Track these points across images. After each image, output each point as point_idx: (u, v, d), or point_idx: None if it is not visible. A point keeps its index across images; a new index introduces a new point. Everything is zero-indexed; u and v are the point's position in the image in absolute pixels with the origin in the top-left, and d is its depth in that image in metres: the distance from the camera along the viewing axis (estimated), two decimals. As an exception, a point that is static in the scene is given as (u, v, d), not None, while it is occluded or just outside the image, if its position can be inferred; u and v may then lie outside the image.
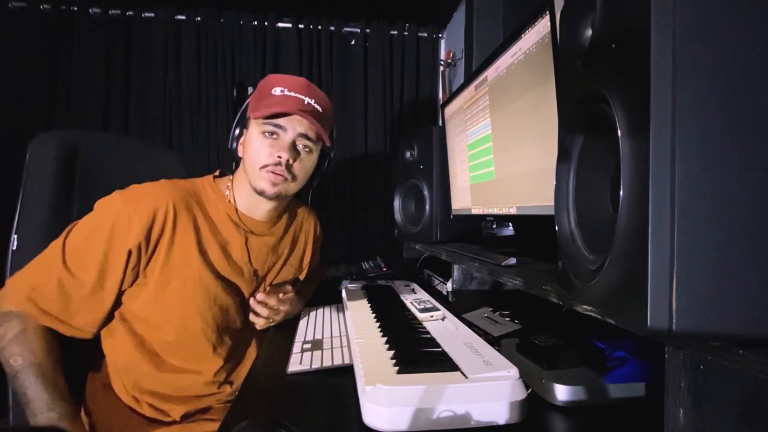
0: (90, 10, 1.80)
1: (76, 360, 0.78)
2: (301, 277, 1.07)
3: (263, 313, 0.90)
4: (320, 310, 1.02)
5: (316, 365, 0.71)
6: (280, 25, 1.95)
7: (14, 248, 0.84)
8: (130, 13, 1.84)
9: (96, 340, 0.82)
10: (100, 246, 0.74)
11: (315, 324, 0.93)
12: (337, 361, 0.72)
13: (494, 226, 0.99)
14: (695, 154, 0.31)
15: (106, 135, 1.56)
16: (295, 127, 0.83)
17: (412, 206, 1.42)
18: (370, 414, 0.51)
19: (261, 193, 0.84)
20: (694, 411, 0.34)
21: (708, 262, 0.31)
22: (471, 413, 0.51)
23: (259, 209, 0.90)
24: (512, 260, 0.76)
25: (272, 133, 0.83)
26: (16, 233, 0.84)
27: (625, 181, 0.35)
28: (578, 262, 0.45)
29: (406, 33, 2.04)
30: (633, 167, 0.34)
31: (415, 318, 0.84)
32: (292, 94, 0.83)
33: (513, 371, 0.55)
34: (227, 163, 0.93)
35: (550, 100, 0.66)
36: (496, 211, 0.94)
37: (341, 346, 0.78)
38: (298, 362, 0.72)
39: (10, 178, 0.86)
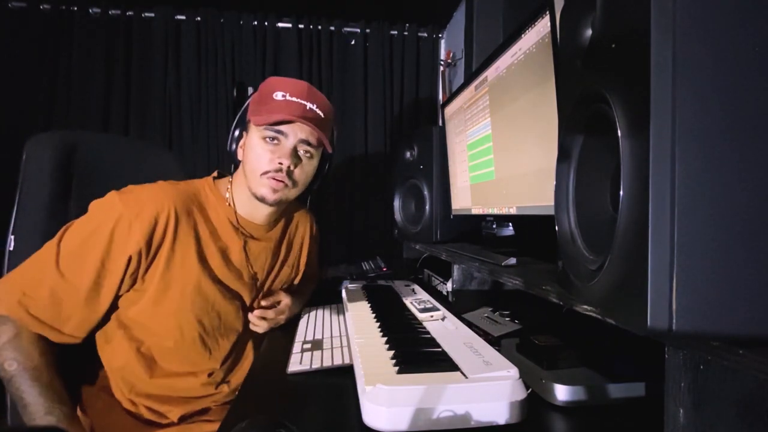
0: (90, 10, 1.80)
1: (71, 363, 0.77)
2: (299, 277, 1.07)
3: (263, 325, 0.90)
4: (320, 310, 1.02)
5: (316, 365, 0.71)
6: (280, 25, 1.95)
7: (11, 249, 0.82)
8: (130, 13, 1.84)
9: (91, 343, 0.81)
10: (98, 251, 0.72)
11: (315, 324, 0.93)
12: (337, 361, 0.72)
13: (494, 226, 0.99)
14: (695, 154, 0.31)
15: (103, 135, 1.55)
16: (296, 133, 0.82)
17: (412, 206, 1.42)
18: (370, 414, 0.51)
19: (261, 200, 0.84)
20: (694, 411, 0.34)
21: (708, 262, 0.31)
22: (471, 413, 0.51)
23: (259, 213, 0.89)
24: (512, 260, 0.76)
25: (273, 139, 0.82)
26: (12, 234, 0.83)
27: (625, 181, 0.35)
28: (578, 262, 0.45)
29: (406, 33, 2.04)
30: (633, 167, 0.34)
31: (415, 318, 0.84)
32: (294, 99, 0.82)
33: (513, 371, 0.55)
34: (227, 163, 0.93)
35: (550, 100, 0.66)
36: (496, 211, 0.94)
37: (341, 346, 0.78)
38: (298, 362, 0.72)
39: (9, 178, 0.85)
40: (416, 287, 1.15)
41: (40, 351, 0.70)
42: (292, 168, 0.83)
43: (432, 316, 0.83)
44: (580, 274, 0.44)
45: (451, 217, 1.24)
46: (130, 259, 0.73)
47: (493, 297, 1.07)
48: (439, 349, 0.65)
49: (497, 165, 0.92)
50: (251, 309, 0.91)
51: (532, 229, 0.94)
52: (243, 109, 0.89)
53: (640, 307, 0.32)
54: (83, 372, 0.83)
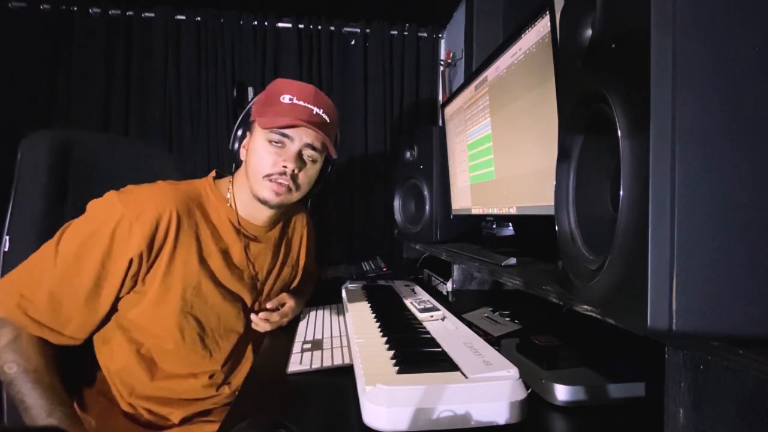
0: (90, 10, 1.80)
1: (67, 366, 0.75)
2: (298, 276, 1.07)
3: (266, 328, 0.90)
4: (320, 310, 1.02)
5: (316, 365, 0.71)
6: (280, 25, 1.95)
7: (6, 250, 0.81)
8: (130, 13, 1.84)
9: (88, 347, 0.80)
10: (98, 252, 0.71)
11: (315, 324, 0.93)
12: (337, 361, 0.72)
13: (494, 226, 0.99)
14: (695, 154, 0.31)
15: (99, 134, 1.54)
16: (302, 137, 0.82)
17: (412, 206, 1.42)
18: (370, 414, 0.51)
19: (264, 202, 0.83)
20: (694, 411, 0.34)
21: (708, 262, 0.31)
22: (471, 413, 0.51)
23: (260, 215, 0.89)
24: (512, 260, 0.76)
25: (278, 142, 0.81)
26: (7, 234, 0.81)
27: (625, 181, 0.35)
28: (578, 262, 0.45)
29: (406, 33, 2.04)
30: (633, 167, 0.34)
31: (415, 318, 0.84)
32: (301, 103, 0.82)
33: (513, 371, 0.55)
34: (227, 163, 0.92)
35: (550, 100, 0.66)
36: (496, 211, 0.94)
37: (341, 346, 0.78)
38: (298, 362, 0.72)
39: (8, 178, 0.84)
40: (416, 287, 1.15)
41: (40, 353, 0.69)
42: (296, 172, 0.83)
43: (432, 316, 0.83)
44: (580, 274, 0.44)
45: (451, 217, 1.24)
46: (131, 261, 0.72)
47: (493, 297, 1.07)
48: (439, 349, 0.65)
49: (497, 165, 0.92)
50: (252, 310, 0.91)
51: (532, 229, 0.94)
52: (247, 108, 0.88)
53: (640, 307, 0.32)
54: (80, 376, 0.82)
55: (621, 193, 0.35)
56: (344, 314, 0.97)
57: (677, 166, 0.31)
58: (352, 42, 2.03)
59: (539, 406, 0.58)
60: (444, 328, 0.78)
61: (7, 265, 0.79)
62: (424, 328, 0.77)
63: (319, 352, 0.76)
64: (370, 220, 2.02)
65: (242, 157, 0.87)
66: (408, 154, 1.38)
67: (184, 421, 0.83)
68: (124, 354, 0.79)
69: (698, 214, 0.31)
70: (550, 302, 0.54)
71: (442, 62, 2.04)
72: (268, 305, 0.93)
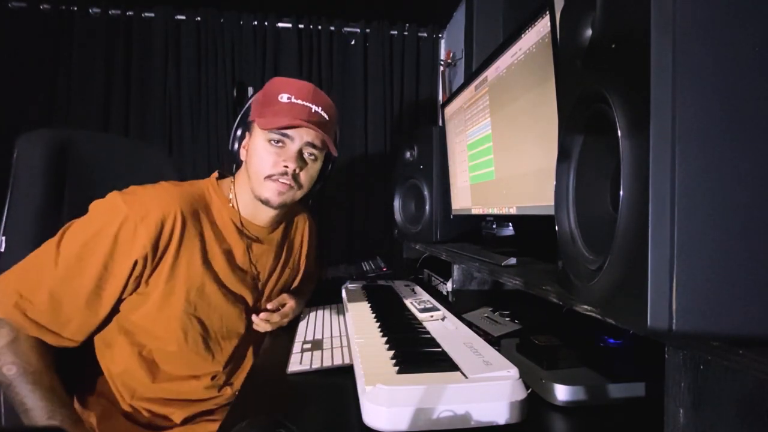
0: (90, 10, 1.80)
1: (67, 369, 0.75)
2: (299, 277, 1.07)
3: (267, 328, 0.90)
4: (320, 310, 1.02)
5: (316, 365, 0.71)
6: (280, 25, 1.95)
7: (1, 250, 0.80)
8: (130, 13, 1.83)
9: (88, 349, 0.79)
10: (101, 253, 0.70)
11: (315, 324, 0.93)
12: (337, 361, 0.72)
13: (494, 226, 0.99)
14: (695, 154, 0.31)
15: (97, 133, 1.53)
16: (302, 136, 0.82)
17: (412, 206, 1.42)
18: (370, 414, 0.51)
19: (266, 203, 0.83)
20: (694, 411, 0.34)
21: (708, 262, 0.31)
22: (471, 413, 0.51)
23: (262, 215, 0.89)
24: (512, 260, 0.76)
25: (278, 142, 0.81)
26: (3, 235, 0.80)
27: (625, 181, 0.35)
28: (578, 262, 0.45)
29: (406, 33, 2.04)
30: (633, 167, 0.34)
31: (415, 318, 0.84)
32: (299, 101, 0.81)
33: (513, 371, 0.55)
34: (227, 163, 0.92)
35: (550, 100, 0.66)
36: (496, 211, 0.94)
37: (341, 346, 0.78)
38: (298, 362, 0.72)
39: (5, 178, 0.83)
40: (416, 287, 1.15)
41: (39, 354, 0.69)
42: (297, 171, 0.83)
43: (432, 316, 0.83)
44: (580, 274, 0.44)
45: (451, 217, 1.24)
46: (135, 263, 0.72)
47: (493, 297, 1.07)
48: (439, 349, 0.65)
49: (497, 165, 0.92)
50: (253, 310, 0.91)
51: (532, 229, 0.94)
52: (245, 108, 0.88)
53: (640, 307, 0.32)
54: (81, 377, 0.81)
55: (621, 193, 0.35)
56: (344, 314, 0.97)
57: (677, 166, 0.31)
58: (352, 42, 2.03)
59: (539, 406, 0.58)
60: (444, 328, 0.78)
61: (3, 266, 0.77)
62: (424, 328, 0.77)
63: (319, 352, 0.76)
64: (370, 220, 2.02)
65: (242, 157, 0.87)
66: (408, 154, 1.38)
67: (186, 420, 0.83)
68: (126, 356, 0.79)
69: (698, 214, 0.31)
70: (550, 302, 0.54)
71: (442, 62, 2.04)
72: (269, 306, 0.93)
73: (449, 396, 0.51)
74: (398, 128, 2.05)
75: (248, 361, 0.92)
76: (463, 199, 1.14)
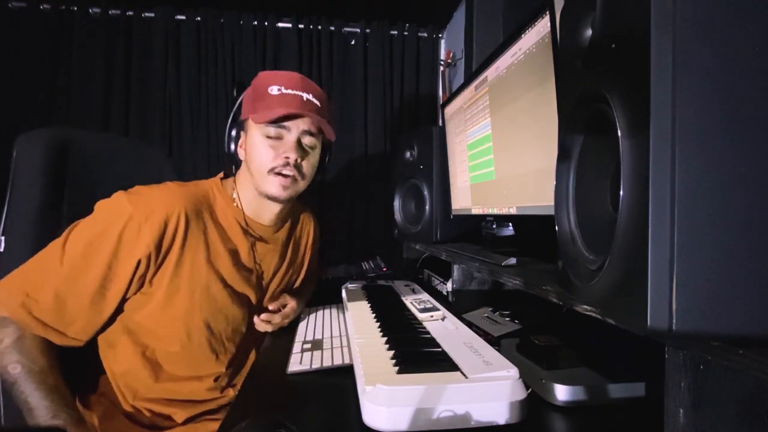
0: (90, 10, 1.80)
1: (70, 368, 0.74)
2: (301, 277, 1.07)
3: (268, 329, 0.90)
4: (320, 310, 1.02)
5: (316, 365, 0.71)
6: (280, 25, 1.94)
7: (1, 250, 0.79)
8: (130, 13, 1.83)
9: (93, 347, 0.79)
10: (106, 253, 0.70)
11: (315, 324, 0.93)
12: (337, 361, 0.72)
13: (494, 226, 0.99)
14: (695, 154, 0.31)
15: (98, 133, 1.52)
16: (298, 125, 0.82)
17: (412, 206, 1.42)
18: (370, 414, 0.51)
19: (273, 198, 0.83)
20: (694, 411, 0.34)
21: (708, 262, 0.31)
22: (471, 413, 0.51)
23: (267, 212, 0.89)
24: (512, 260, 0.76)
25: (275, 135, 0.81)
26: (3, 234, 0.80)
27: (625, 181, 0.35)
28: (578, 262, 0.45)
29: (406, 33, 2.04)
30: (633, 167, 0.34)
31: (415, 318, 0.84)
32: (290, 91, 0.81)
33: (513, 371, 0.55)
34: (227, 164, 0.92)
35: (550, 100, 0.66)
36: (496, 211, 0.94)
37: (341, 346, 0.78)
38: (298, 362, 0.72)
39: (4, 178, 0.82)
40: (416, 287, 1.15)
41: (44, 354, 0.69)
42: (299, 161, 0.83)
43: (432, 316, 0.83)
44: (580, 274, 0.44)
45: (451, 217, 1.24)
46: (139, 263, 0.72)
47: (493, 297, 1.07)
48: (439, 349, 0.65)
49: (497, 165, 0.92)
50: (256, 309, 0.91)
51: (532, 229, 0.94)
52: (236, 107, 0.87)
53: (640, 307, 0.32)
54: (83, 377, 0.81)
55: (621, 193, 0.35)
56: (344, 314, 0.97)
57: (677, 166, 0.31)
58: (352, 42, 2.03)
59: (539, 406, 0.58)
60: (444, 328, 0.78)
61: (2, 266, 0.77)
62: (424, 328, 0.77)
63: (319, 352, 0.76)
64: (370, 220, 2.02)
65: (241, 156, 0.87)
66: (408, 154, 1.39)
67: (188, 420, 0.83)
68: (129, 356, 0.79)
69: (698, 214, 0.31)
70: (550, 302, 0.54)
71: (442, 62, 2.04)
72: (271, 307, 0.93)
73: (449, 396, 0.51)
74: (398, 128, 2.05)
75: (250, 362, 0.92)
76: (463, 199, 1.14)
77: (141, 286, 0.76)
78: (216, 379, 0.85)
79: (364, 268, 1.39)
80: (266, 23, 1.92)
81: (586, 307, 0.43)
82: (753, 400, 0.31)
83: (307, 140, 0.84)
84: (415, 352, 0.65)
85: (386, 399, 0.51)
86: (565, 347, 0.66)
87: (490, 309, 0.99)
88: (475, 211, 1.07)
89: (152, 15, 1.85)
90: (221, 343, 0.85)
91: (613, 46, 0.37)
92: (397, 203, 1.44)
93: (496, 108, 0.90)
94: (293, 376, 0.69)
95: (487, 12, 1.68)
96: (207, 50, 1.88)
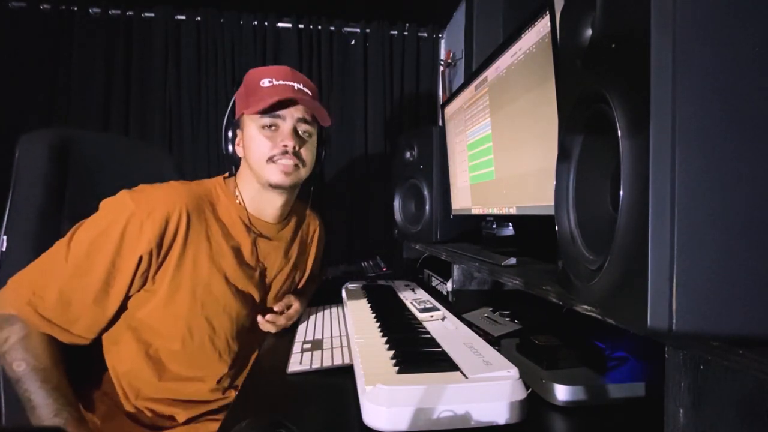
0: (90, 10, 1.80)
1: (73, 367, 0.75)
2: (305, 277, 1.08)
3: (272, 329, 0.90)
4: (320, 310, 1.02)
5: (316, 365, 0.71)
6: (280, 25, 1.94)
7: (3, 250, 0.80)
8: (130, 13, 1.83)
9: (97, 346, 0.80)
10: (108, 250, 0.71)
11: (315, 324, 0.93)
12: (337, 361, 0.72)
13: (494, 226, 0.99)
14: (695, 154, 0.31)
15: (99, 134, 1.53)
16: (292, 113, 0.83)
17: (412, 206, 1.42)
18: (370, 414, 0.51)
19: (277, 186, 0.84)
20: (694, 411, 0.34)
21: (708, 262, 0.31)
22: (471, 413, 0.51)
23: (269, 207, 0.89)
24: (512, 260, 0.76)
25: (271, 125, 0.82)
26: (4, 234, 0.80)
27: (625, 181, 0.35)
28: (578, 262, 0.45)
29: (406, 33, 2.04)
30: (633, 167, 0.34)
31: (415, 318, 0.84)
32: (281, 82, 0.82)
33: (513, 371, 0.55)
34: (227, 163, 0.92)
35: (550, 100, 0.66)
36: (496, 211, 0.94)
37: (341, 346, 0.78)
38: (298, 362, 0.72)
39: (6, 178, 0.83)
40: (416, 287, 1.15)
41: (49, 352, 0.69)
42: (297, 148, 0.84)
43: (432, 316, 0.83)
44: (580, 274, 0.44)
45: (451, 217, 1.24)
46: (140, 259, 0.72)
47: (493, 297, 1.07)
48: (439, 349, 0.65)
49: (497, 165, 0.92)
50: (260, 307, 0.91)
51: (532, 229, 0.94)
52: (230, 108, 0.89)
53: (640, 307, 0.32)
54: (86, 376, 0.81)
55: (621, 193, 0.35)
56: (344, 314, 0.97)
57: (677, 166, 0.31)
58: (352, 42, 2.02)
59: (539, 406, 0.58)
60: (444, 328, 0.78)
61: (5, 265, 0.78)
62: (424, 328, 0.77)
63: (319, 352, 0.76)
64: (370, 220, 2.02)
65: (240, 154, 0.88)
66: (408, 154, 1.38)
67: (190, 420, 0.82)
68: (133, 354, 0.79)
69: (698, 214, 0.31)
70: (550, 302, 0.54)
71: (442, 62, 2.04)
72: (275, 308, 0.93)
73: (449, 396, 0.51)
74: (398, 128, 2.05)
75: (252, 362, 0.92)
76: (463, 199, 1.14)
77: (144, 283, 0.76)
78: (219, 381, 0.85)
79: (364, 268, 1.39)
80: (266, 23, 1.92)
81: (586, 307, 0.43)
82: (753, 400, 0.31)
83: (303, 128, 0.85)
84: (415, 352, 0.65)
85: (386, 399, 0.51)
86: (565, 347, 0.66)
87: (490, 309, 0.99)
88: (475, 211, 1.07)
89: (152, 15, 1.85)
90: (224, 342, 0.85)
91: (613, 46, 0.37)
92: (397, 203, 1.44)
93: (496, 108, 0.90)
94: (293, 376, 0.69)
95: (487, 12, 1.68)
96: (207, 50, 1.88)
